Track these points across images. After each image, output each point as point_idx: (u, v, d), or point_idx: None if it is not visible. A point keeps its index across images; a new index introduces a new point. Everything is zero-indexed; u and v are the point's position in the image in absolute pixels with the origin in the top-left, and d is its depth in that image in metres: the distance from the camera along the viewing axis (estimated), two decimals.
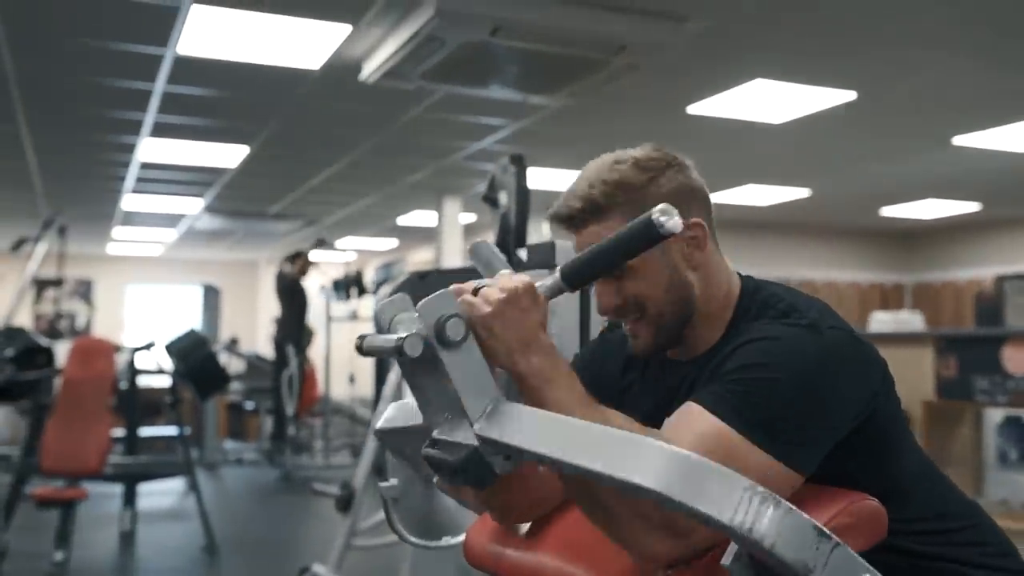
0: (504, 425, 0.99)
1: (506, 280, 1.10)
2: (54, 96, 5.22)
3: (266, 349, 10.63)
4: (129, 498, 5.38)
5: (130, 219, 10.08)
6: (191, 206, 9.10)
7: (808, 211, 9.49)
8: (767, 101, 5.15)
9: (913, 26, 4.02)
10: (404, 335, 1.00)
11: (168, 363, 5.54)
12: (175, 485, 6.71)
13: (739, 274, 1.32)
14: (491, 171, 3.20)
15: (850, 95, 5.03)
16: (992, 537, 1.28)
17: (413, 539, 1.56)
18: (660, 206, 1.02)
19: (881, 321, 6.85)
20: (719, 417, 1.09)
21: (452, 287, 1.10)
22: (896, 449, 1.22)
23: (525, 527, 1.33)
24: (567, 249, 2.10)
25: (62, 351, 5.18)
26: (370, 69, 4.32)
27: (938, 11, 3.85)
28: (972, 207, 9.26)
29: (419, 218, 9.78)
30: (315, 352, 9.24)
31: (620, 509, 1.02)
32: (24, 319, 11.30)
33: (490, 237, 3.17)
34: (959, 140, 6.17)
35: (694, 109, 5.34)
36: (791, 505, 0.79)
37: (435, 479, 1.16)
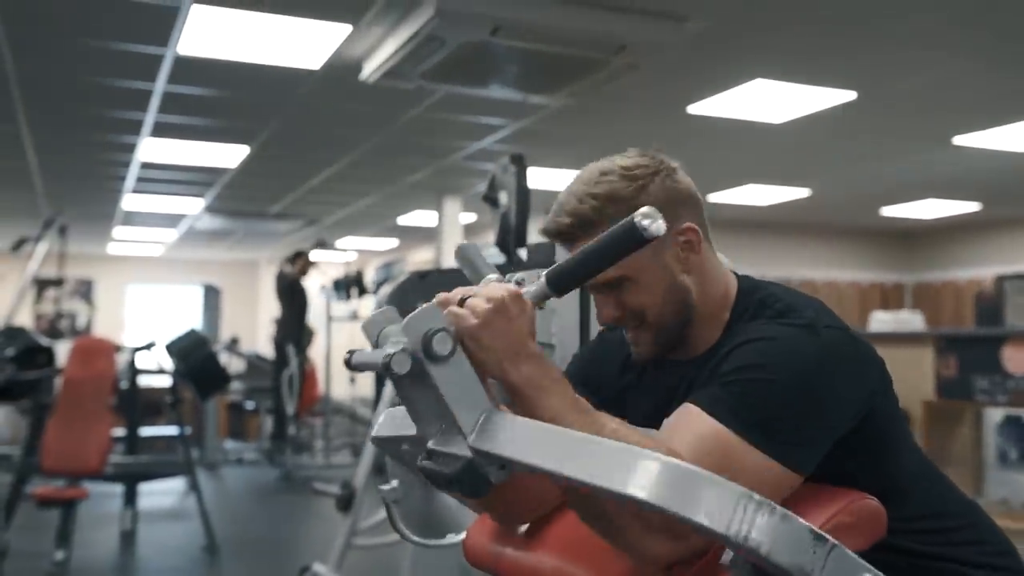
0: (497, 437, 0.98)
1: (492, 289, 1.09)
2: (54, 96, 5.22)
3: (266, 349, 10.63)
4: (130, 498, 5.39)
5: (131, 219, 10.09)
6: (191, 206, 9.10)
7: (808, 211, 9.49)
8: (767, 101, 5.15)
9: (913, 26, 4.02)
10: (391, 352, 0.99)
11: (168, 363, 5.55)
12: (176, 485, 6.71)
13: (736, 274, 1.32)
14: (491, 171, 3.20)
15: (850, 95, 5.03)
16: (991, 536, 1.28)
17: (415, 538, 1.56)
18: (643, 209, 1.01)
19: (881, 321, 6.85)
20: (716, 418, 1.09)
21: (437, 298, 1.09)
22: (894, 448, 1.22)
23: (525, 526, 1.34)
24: None
25: (63, 351, 5.18)
26: (370, 69, 4.32)
27: (938, 11, 3.85)
28: (972, 207, 9.26)
29: (419, 218, 9.78)
30: (315, 352, 9.25)
31: (618, 513, 1.03)
32: (25, 319, 11.31)
33: (491, 237, 3.17)
34: (959, 140, 6.17)
35: (694, 109, 5.34)
36: (786, 511, 0.79)
37: None
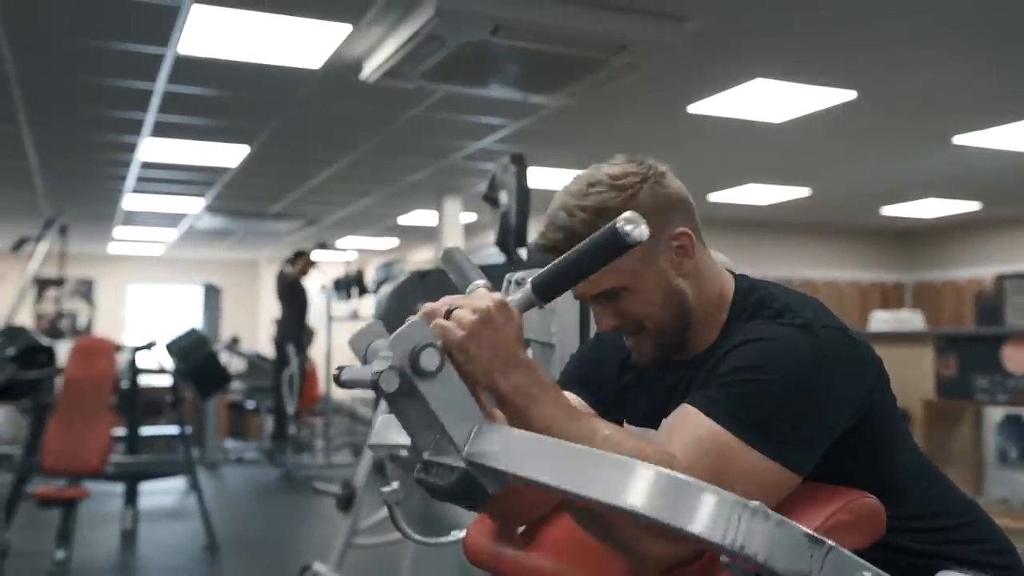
0: (491, 449, 0.99)
1: (477, 300, 1.08)
2: (55, 96, 5.22)
3: (267, 348, 10.64)
4: (130, 497, 5.39)
5: (131, 219, 10.09)
6: (192, 206, 9.10)
7: (808, 210, 9.49)
8: (767, 101, 5.15)
9: (913, 26, 4.02)
10: (379, 369, 0.98)
11: (169, 362, 5.55)
12: (176, 484, 6.72)
13: (733, 273, 1.32)
14: (491, 170, 3.20)
15: (850, 94, 5.03)
16: (989, 535, 1.28)
17: (418, 537, 1.56)
18: (625, 214, 1.01)
19: (881, 320, 6.86)
20: (714, 419, 1.09)
21: (423, 310, 1.09)
22: (892, 447, 1.22)
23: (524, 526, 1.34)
24: None
25: (63, 350, 5.19)
26: (370, 69, 4.33)
27: (938, 11, 3.85)
28: (972, 206, 9.26)
29: (420, 217, 9.78)
30: (316, 351, 9.26)
31: (616, 519, 1.03)
32: (25, 318, 11.31)
33: (491, 236, 3.18)
34: (959, 139, 6.17)
35: (694, 108, 5.34)
36: (781, 517, 0.80)
37: None
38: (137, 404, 5.66)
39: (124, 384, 5.60)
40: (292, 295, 8.32)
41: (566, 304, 2.14)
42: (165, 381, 6.01)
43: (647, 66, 4.22)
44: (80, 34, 4.18)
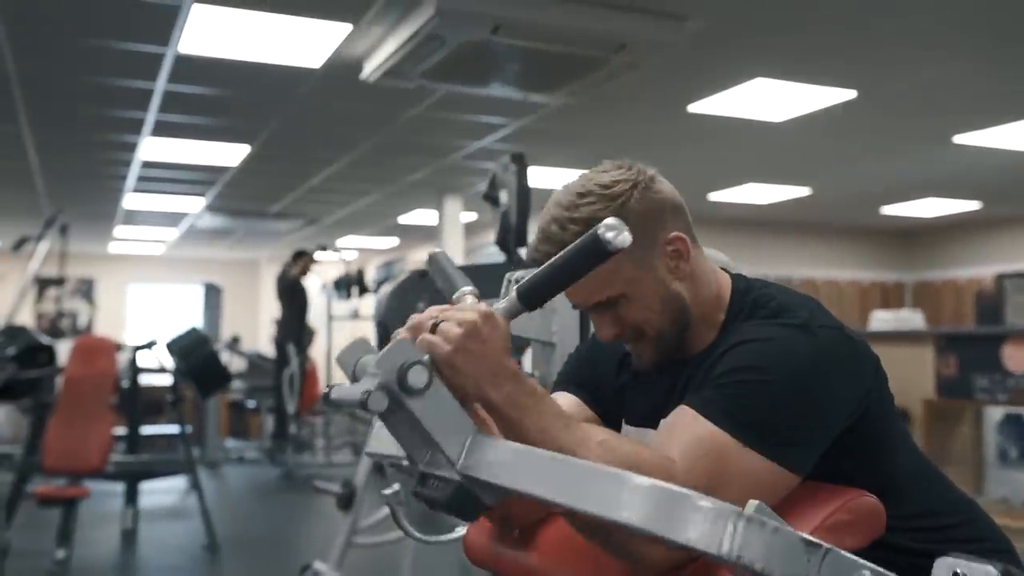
0: (485, 462, 0.98)
1: (462, 312, 1.07)
2: (55, 95, 5.22)
3: (267, 348, 10.64)
4: (131, 496, 5.40)
5: (131, 218, 10.09)
6: (192, 205, 9.11)
7: (808, 210, 9.49)
8: (767, 100, 5.16)
9: (913, 25, 4.03)
10: (368, 389, 0.98)
11: (169, 362, 5.55)
12: (177, 483, 6.72)
13: (729, 273, 1.32)
14: (492, 170, 3.20)
15: (850, 94, 5.03)
16: (989, 534, 1.29)
17: (419, 535, 1.56)
18: (606, 221, 1.00)
19: (882, 320, 6.86)
20: (711, 421, 1.09)
21: (409, 324, 1.08)
22: (891, 446, 1.22)
23: None
24: None
25: (64, 350, 5.19)
26: (371, 68, 4.33)
27: (938, 11, 3.85)
28: (972, 206, 9.26)
29: (420, 217, 9.78)
30: (316, 351, 9.26)
31: (613, 526, 1.03)
32: (26, 318, 11.32)
33: (491, 236, 3.18)
34: (959, 139, 6.17)
35: (694, 108, 5.34)
36: (777, 524, 0.80)
37: None
38: (137, 403, 5.66)
39: (124, 383, 5.61)
40: (292, 295, 8.32)
41: (566, 304, 2.15)
42: (166, 380, 6.02)
43: (647, 65, 4.22)
44: (80, 33, 4.18)
